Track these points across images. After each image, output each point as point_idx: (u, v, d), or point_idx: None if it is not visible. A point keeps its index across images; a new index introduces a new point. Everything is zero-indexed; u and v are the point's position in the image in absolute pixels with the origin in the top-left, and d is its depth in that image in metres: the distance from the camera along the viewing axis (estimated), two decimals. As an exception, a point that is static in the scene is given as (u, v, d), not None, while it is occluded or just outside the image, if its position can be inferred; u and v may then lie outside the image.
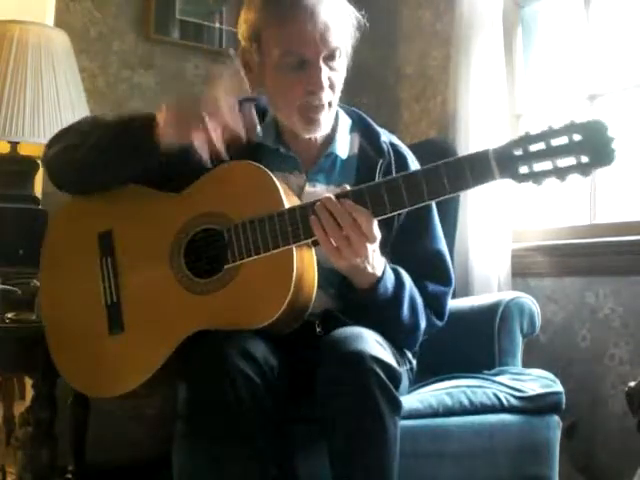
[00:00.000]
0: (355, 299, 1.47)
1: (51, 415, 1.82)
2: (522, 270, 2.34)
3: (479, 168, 1.29)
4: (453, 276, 1.63)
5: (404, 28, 2.86)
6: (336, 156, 1.58)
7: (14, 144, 2.14)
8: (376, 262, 1.41)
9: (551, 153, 1.24)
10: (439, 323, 1.60)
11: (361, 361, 1.31)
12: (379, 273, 1.42)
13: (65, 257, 1.63)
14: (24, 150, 2.18)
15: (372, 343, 1.36)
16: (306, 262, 1.40)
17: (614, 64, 2.30)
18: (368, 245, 1.35)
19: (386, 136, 1.63)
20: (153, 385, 1.48)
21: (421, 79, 2.78)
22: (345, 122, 1.63)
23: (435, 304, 1.58)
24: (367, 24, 1.54)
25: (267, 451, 1.33)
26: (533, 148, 1.25)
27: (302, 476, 1.40)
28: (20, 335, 1.77)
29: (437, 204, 1.60)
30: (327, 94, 1.49)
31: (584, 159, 1.22)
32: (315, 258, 1.42)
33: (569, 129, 1.23)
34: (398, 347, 1.55)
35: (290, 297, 1.35)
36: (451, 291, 1.62)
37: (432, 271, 1.59)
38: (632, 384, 1.54)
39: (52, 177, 1.62)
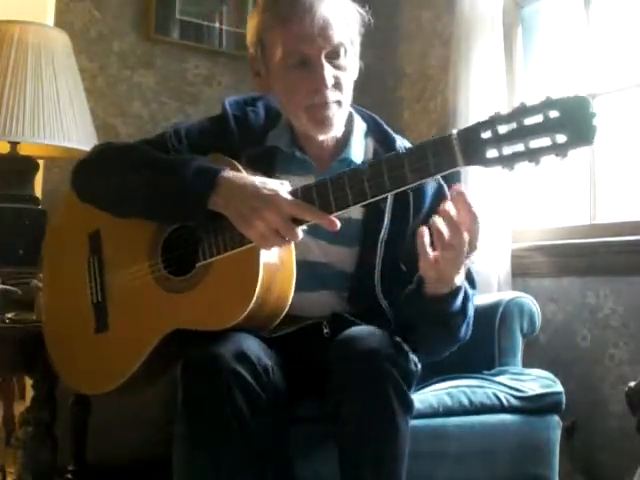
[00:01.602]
0: (421, 307, 1.37)
1: (51, 415, 1.83)
2: (522, 270, 2.34)
3: (441, 154, 1.19)
4: (476, 278, 1.54)
5: (404, 28, 2.86)
6: (350, 161, 1.54)
7: (14, 144, 2.14)
8: (462, 270, 1.32)
9: (523, 133, 1.13)
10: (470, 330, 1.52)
11: (375, 360, 1.30)
12: (462, 278, 1.34)
13: (61, 257, 1.66)
14: (24, 150, 2.18)
15: (386, 342, 1.35)
16: (279, 259, 1.37)
17: (614, 64, 2.30)
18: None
19: (401, 141, 1.60)
20: (136, 384, 1.50)
21: (421, 79, 2.78)
22: (360, 127, 1.60)
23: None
24: (372, 21, 1.51)
25: (266, 451, 1.32)
26: (503, 129, 1.15)
27: (302, 477, 1.40)
28: (20, 335, 1.77)
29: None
30: (333, 93, 1.45)
31: (560, 138, 1.12)
32: (293, 255, 1.39)
33: (545, 106, 1.13)
34: (429, 355, 1.52)
35: (256, 297, 1.32)
36: (476, 294, 1.52)
37: None
38: (632, 384, 1.54)
39: (78, 187, 1.58)
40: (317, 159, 1.55)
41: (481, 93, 2.32)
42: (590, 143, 1.11)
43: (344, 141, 1.56)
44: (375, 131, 1.62)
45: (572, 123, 1.11)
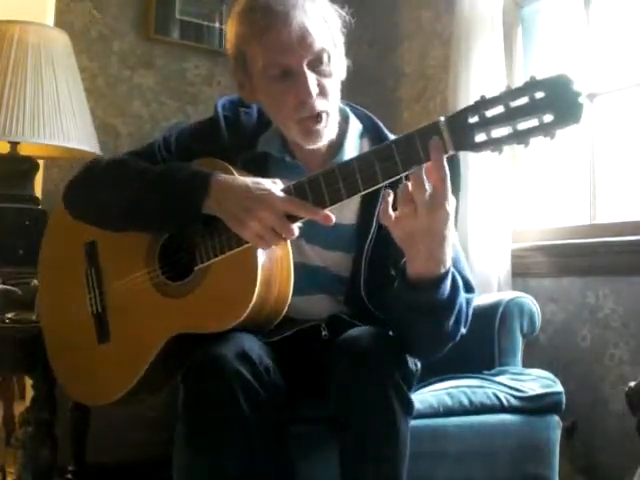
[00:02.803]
0: (408, 298, 1.31)
1: (51, 415, 1.83)
2: (522, 270, 2.34)
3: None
4: (473, 283, 1.49)
5: (404, 28, 2.86)
6: None
7: (14, 144, 2.15)
8: (447, 248, 1.25)
9: (511, 116, 1.13)
10: (464, 330, 1.46)
11: (375, 361, 1.30)
12: (447, 265, 1.27)
13: (57, 267, 1.66)
14: (24, 150, 2.19)
15: (386, 343, 1.35)
16: (277, 257, 1.37)
17: (614, 64, 2.30)
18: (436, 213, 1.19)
19: None
20: (142, 391, 1.49)
21: (421, 79, 2.78)
22: (355, 127, 1.58)
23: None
24: (352, 20, 1.48)
25: (266, 451, 1.33)
26: (490, 113, 1.15)
27: (302, 476, 1.40)
28: (20, 335, 1.77)
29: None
30: (320, 101, 1.41)
31: (547, 118, 1.12)
32: (290, 253, 1.39)
33: (530, 87, 1.13)
34: (420, 356, 1.46)
35: (257, 295, 1.32)
36: (474, 298, 1.48)
37: None
38: (632, 384, 1.54)
39: (70, 206, 1.59)
40: (309, 164, 1.53)
41: (481, 93, 2.31)
42: (577, 121, 1.12)
43: (337, 144, 1.53)
44: (371, 131, 1.59)
45: (558, 102, 1.11)
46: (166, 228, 1.47)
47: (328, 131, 1.46)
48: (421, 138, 1.20)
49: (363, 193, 1.28)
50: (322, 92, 1.42)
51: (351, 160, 1.28)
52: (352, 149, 1.54)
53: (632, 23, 2.26)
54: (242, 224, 1.31)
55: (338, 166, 1.28)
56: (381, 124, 1.61)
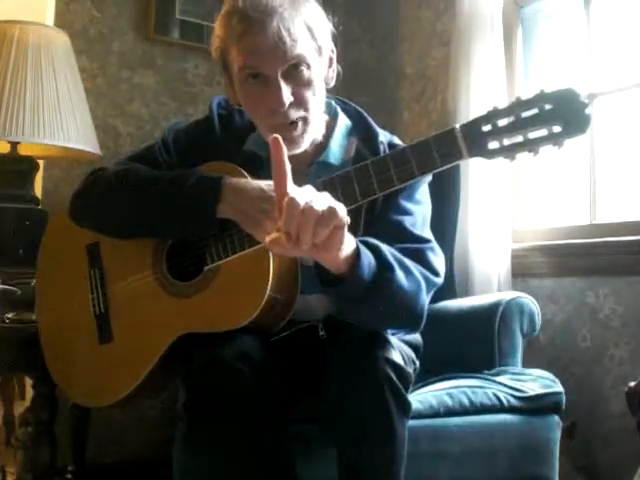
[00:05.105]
0: (347, 291, 1.28)
1: (51, 415, 1.83)
2: (522, 270, 2.34)
3: (446, 147, 1.22)
4: (432, 239, 1.47)
5: (404, 28, 2.86)
6: (328, 164, 1.51)
7: (14, 144, 2.15)
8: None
9: (521, 125, 1.19)
10: (437, 279, 1.42)
11: (373, 362, 1.31)
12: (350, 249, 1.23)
13: (57, 268, 1.66)
14: (24, 150, 2.19)
15: (383, 344, 1.35)
16: (285, 259, 1.38)
17: (614, 64, 2.30)
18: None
19: (385, 137, 1.56)
20: (144, 392, 1.49)
21: (421, 79, 2.78)
22: (343, 124, 1.57)
23: (421, 262, 1.40)
24: (339, 25, 1.48)
25: (266, 451, 1.33)
26: (502, 122, 1.20)
27: (302, 477, 1.40)
28: (20, 335, 1.77)
29: (436, 205, 1.59)
30: (295, 111, 1.39)
31: (556, 129, 1.17)
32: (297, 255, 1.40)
33: (539, 99, 1.18)
34: (411, 324, 1.42)
35: (268, 294, 1.34)
36: (432, 248, 1.45)
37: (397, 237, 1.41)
38: (632, 384, 1.54)
39: (77, 217, 1.58)
40: (295, 163, 1.52)
41: (481, 93, 2.32)
42: (583, 132, 1.18)
43: (322, 144, 1.52)
44: (360, 128, 1.57)
45: (565, 114, 1.17)
46: (181, 234, 1.47)
47: (307, 137, 1.45)
48: (437, 144, 1.23)
49: (378, 195, 1.29)
50: (297, 101, 1.40)
51: (366, 163, 1.29)
52: (338, 148, 1.53)
53: (632, 23, 2.26)
54: (258, 224, 1.32)
55: (354, 169, 1.29)
56: (371, 120, 1.59)
